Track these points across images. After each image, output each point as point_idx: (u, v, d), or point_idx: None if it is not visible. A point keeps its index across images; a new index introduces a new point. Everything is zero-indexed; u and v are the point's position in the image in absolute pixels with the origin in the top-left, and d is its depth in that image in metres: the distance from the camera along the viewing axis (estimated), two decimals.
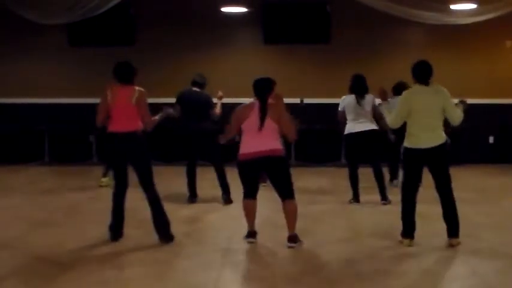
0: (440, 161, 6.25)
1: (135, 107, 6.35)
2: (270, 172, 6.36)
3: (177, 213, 7.85)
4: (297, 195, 8.97)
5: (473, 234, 6.76)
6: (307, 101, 12.18)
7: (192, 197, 8.46)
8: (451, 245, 6.20)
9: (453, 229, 6.26)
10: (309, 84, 12.10)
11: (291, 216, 6.31)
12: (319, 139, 12.07)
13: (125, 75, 6.44)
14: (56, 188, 9.62)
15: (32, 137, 12.31)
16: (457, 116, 6.27)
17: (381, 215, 7.68)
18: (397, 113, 6.25)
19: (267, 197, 8.65)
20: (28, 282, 5.27)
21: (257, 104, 6.28)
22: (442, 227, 7.06)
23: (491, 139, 12.24)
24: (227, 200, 8.39)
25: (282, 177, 6.36)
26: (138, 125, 6.38)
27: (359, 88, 8.26)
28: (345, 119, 8.33)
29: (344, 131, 8.37)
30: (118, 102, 6.35)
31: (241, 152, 6.27)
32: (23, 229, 7.05)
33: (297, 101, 12.15)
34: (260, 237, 6.50)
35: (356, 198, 8.35)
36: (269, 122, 6.21)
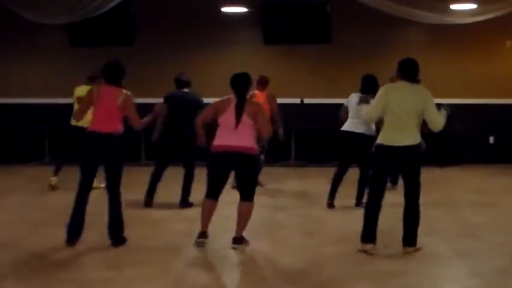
0: (409, 163, 6.05)
1: (118, 109, 6.27)
2: (237, 169, 6.29)
3: (177, 214, 7.86)
4: (297, 196, 9.04)
5: (473, 234, 6.77)
6: (307, 101, 12.19)
7: (149, 200, 8.23)
8: (406, 253, 6.06)
9: (409, 237, 6.09)
10: (309, 84, 12.11)
11: (242, 218, 6.27)
12: (319, 139, 12.07)
13: (113, 76, 6.34)
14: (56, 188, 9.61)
15: (32, 137, 12.31)
16: (437, 121, 6.04)
17: (380, 215, 7.66)
18: (374, 105, 6.15)
19: (263, 197, 8.68)
20: (28, 281, 5.28)
21: (234, 100, 6.22)
22: (441, 227, 7.07)
23: (491, 139, 12.24)
24: (185, 203, 8.23)
25: (247, 177, 6.32)
26: (118, 127, 6.29)
27: (365, 89, 8.11)
28: (347, 116, 8.18)
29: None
30: (102, 102, 6.25)
31: (214, 143, 6.24)
32: (23, 229, 7.05)
33: (297, 101, 12.15)
34: (260, 237, 6.50)
35: (331, 199, 8.19)
36: (245, 119, 6.16)
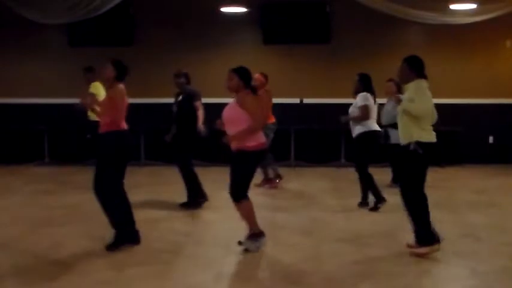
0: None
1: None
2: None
3: (177, 214, 7.86)
4: (297, 196, 9.05)
5: (473, 234, 6.77)
6: (306, 101, 12.19)
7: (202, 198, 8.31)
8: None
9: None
10: (308, 84, 12.11)
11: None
12: (319, 139, 12.07)
13: (125, 74, 6.40)
14: (56, 188, 9.62)
15: (32, 137, 12.32)
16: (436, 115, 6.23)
17: (380, 215, 7.68)
18: (425, 100, 5.94)
19: (263, 198, 8.68)
20: (28, 282, 5.28)
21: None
22: (441, 227, 7.07)
23: (491, 139, 12.24)
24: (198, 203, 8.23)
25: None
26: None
27: (369, 88, 8.03)
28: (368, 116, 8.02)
29: (365, 129, 7.97)
30: (125, 100, 6.32)
31: (257, 142, 6.08)
32: (23, 229, 7.05)
33: (297, 101, 12.15)
34: None
35: (380, 199, 7.97)
36: None
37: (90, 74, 9.54)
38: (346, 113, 8.18)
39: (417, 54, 6.17)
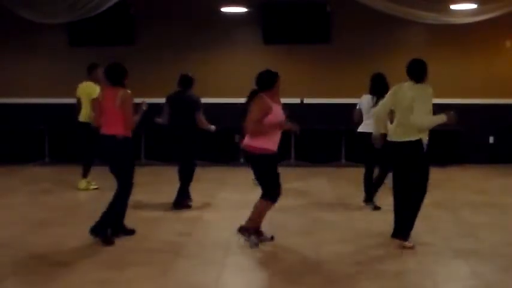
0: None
1: (118, 109, 6.33)
2: None
3: (176, 214, 7.86)
4: (297, 196, 9.05)
5: (473, 234, 6.77)
6: (307, 101, 12.18)
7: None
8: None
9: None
10: (309, 84, 12.10)
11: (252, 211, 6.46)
12: (319, 139, 12.07)
13: (113, 76, 6.42)
14: (56, 188, 9.62)
15: (32, 137, 12.32)
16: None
17: (380, 215, 7.67)
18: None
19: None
20: (28, 282, 5.28)
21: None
22: (441, 227, 7.07)
23: (491, 139, 12.24)
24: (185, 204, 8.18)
25: None
26: (118, 130, 6.33)
27: (376, 88, 8.01)
28: (361, 119, 8.11)
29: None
30: (105, 103, 6.44)
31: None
32: (23, 229, 7.05)
33: (297, 101, 12.15)
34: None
35: (369, 199, 8.10)
36: None
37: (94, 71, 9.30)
38: (347, 112, 8.21)
39: (416, 55, 6.28)
